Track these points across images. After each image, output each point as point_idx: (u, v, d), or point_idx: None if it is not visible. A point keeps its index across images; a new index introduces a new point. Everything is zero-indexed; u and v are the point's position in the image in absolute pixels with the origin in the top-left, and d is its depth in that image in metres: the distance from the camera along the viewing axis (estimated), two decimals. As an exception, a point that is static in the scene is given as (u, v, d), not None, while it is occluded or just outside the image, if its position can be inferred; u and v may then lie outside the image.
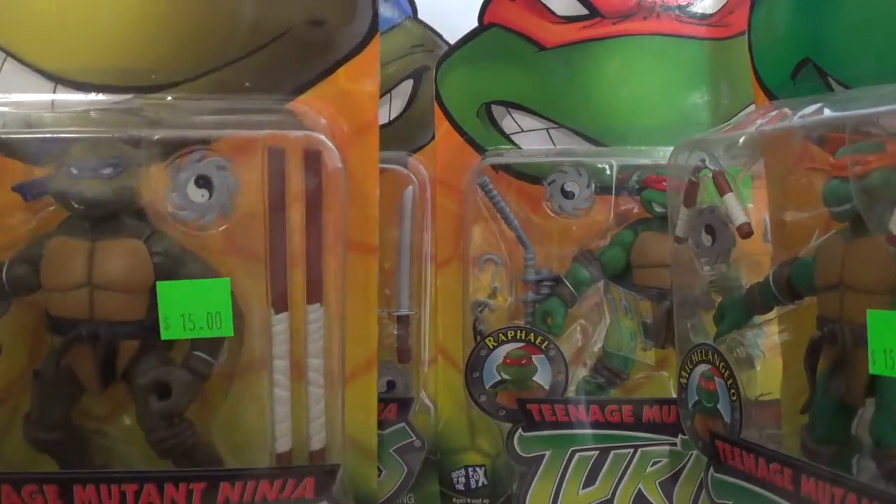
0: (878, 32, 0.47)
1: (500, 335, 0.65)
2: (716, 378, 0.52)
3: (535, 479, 0.64)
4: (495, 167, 0.67)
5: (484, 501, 0.69)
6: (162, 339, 0.45)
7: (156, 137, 0.46)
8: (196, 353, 0.46)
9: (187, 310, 0.44)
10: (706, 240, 0.54)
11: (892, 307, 0.41)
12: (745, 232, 0.50)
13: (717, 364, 0.52)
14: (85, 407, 0.49)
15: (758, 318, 0.54)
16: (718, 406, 0.52)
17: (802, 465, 0.45)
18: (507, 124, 0.68)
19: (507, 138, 0.68)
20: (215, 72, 0.49)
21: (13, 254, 0.46)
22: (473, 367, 0.66)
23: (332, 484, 0.48)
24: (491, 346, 0.65)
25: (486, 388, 0.66)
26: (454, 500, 0.70)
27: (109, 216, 0.45)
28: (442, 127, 0.68)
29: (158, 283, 0.44)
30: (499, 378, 0.66)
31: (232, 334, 0.45)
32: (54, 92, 0.48)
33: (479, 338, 0.67)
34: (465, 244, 0.68)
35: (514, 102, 0.68)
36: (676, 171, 0.56)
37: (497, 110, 0.68)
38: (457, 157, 0.68)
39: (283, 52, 0.49)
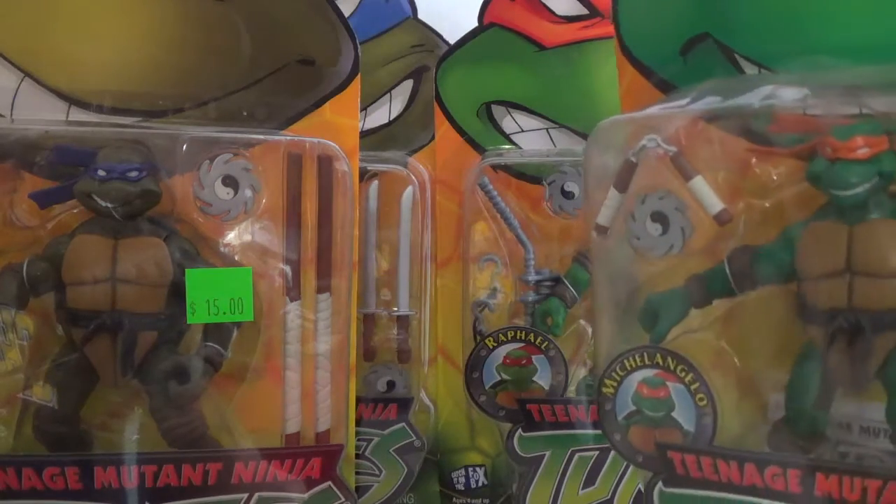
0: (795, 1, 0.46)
1: (500, 335, 0.65)
2: (670, 383, 0.47)
3: (535, 479, 0.64)
4: (495, 167, 0.67)
5: (484, 501, 0.69)
6: (188, 322, 0.49)
7: (188, 137, 0.51)
8: (209, 343, 0.50)
9: (212, 296, 0.49)
10: (654, 229, 0.49)
11: None
12: (726, 219, 0.47)
13: (673, 367, 0.47)
14: (91, 403, 0.50)
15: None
16: (673, 414, 0.47)
17: (815, 465, 0.43)
18: (507, 124, 0.68)
19: (507, 138, 0.68)
20: (216, 101, 0.53)
21: (30, 255, 0.49)
22: (473, 367, 0.66)
23: (336, 463, 0.51)
24: (491, 346, 0.65)
25: (486, 388, 0.66)
26: (454, 500, 0.70)
27: (131, 217, 0.48)
28: (442, 127, 0.68)
29: (188, 271, 0.48)
30: (499, 378, 0.66)
31: (252, 318, 0.49)
32: (68, 112, 0.51)
33: (479, 338, 0.67)
34: (465, 244, 0.68)
35: (514, 102, 0.68)
36: (599, 154, 0.51)
37: (497, 110, 0.68)
38: (457, 157, 0.68)
39: (278, 86, 0.54)
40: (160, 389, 0.49)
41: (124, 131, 0.50)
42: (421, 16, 0.71)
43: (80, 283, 0.48)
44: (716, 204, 0.47)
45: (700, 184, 0.47)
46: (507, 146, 0.68)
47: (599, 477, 0.63)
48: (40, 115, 0.50)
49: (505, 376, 0.66)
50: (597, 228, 0.50)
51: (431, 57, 0.69)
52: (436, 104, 0.68)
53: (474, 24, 0.68)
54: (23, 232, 0.50)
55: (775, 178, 0.47)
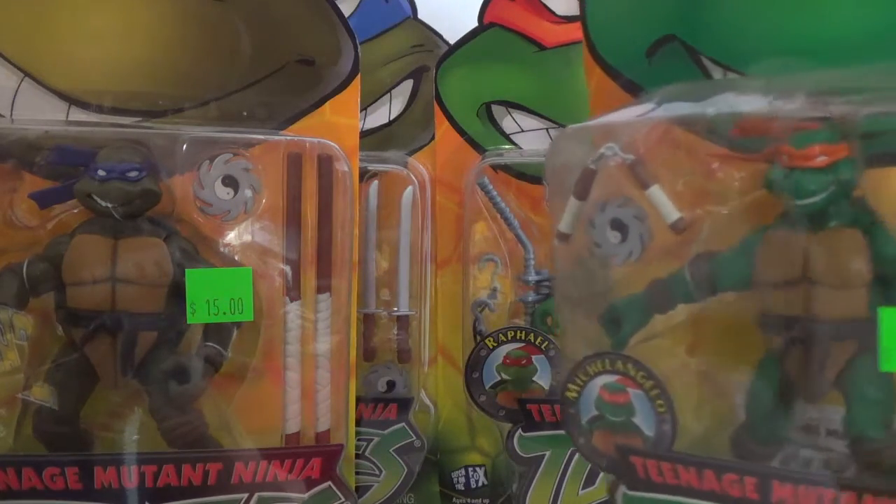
0: (761, 4, 0.45)
1: (500, 335, 0.66)
2: (630, 389, 0.47)
3: (535, 479, 0.64)
4: (495, 167, 0.68)
5: (484, 501, 0.69)
6: (188, 322, 0.49)
7: (188, 137, 0.51)
8: (209, 343, 0.50)
9: (212, 296, 0.48)
10: (613, 237, 0.49)
11: (871, 301, 0.41)
12: (682, 228, 0.47)
13: (633, 373, 0.47)
14: (91, 403, 0.50)
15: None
16: (634, 419, 0.47)
17: (769, 472, 0.44)
18: (507, 124, 0.68)
19: (507, 138, 0.68)
20: (216, 101, 0.53)
21: (31, 255, 0.49)
22: (473, 367, 0.66)
23: (336, 463, 0.51)
24: (491, 346, 0.65)
25: (486, 388, 0.66)
26: (454, 500, 0.70)
27: (131, 217, 0.48)
28: (442, 127, 0.68)
29: (188, 271, 0.48)
30: (499, 378, 0.66)
31: (252, 318, 0.49)
32: (68, 112, 0.51)
33: (478, 338, 0.67)
34: (465, 244, 0.68)
35: (514, 102, 0.68)
36: (560, 162, 0.51)
37: (497, 110, 0.68)
38: (457, 157, 0.68)
39: (278, 85, 0.53)
40: (160, 389, 0.49)
41: (124, 131, 0.50)
42: (421, 16, 0.71)
43: (80, 283, 0.48)
44: (672, 212, 0.47)
45: (657, 192, 0.47)
46: (507, 146, 0.68)
47: (599, 477, 0.63)
48: (40, 115, 0.50)
49: (505, 376, 0.66)
50: (558, 236, 0.50)
51: (431, 57, 0.69)
52: (436, 104, 0.68)
53: (474, 24, 0.68)
54: (23, 232, 0.50)
55: (737, 183, 0.47)
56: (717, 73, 0.48)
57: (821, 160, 0.41)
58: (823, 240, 0.42)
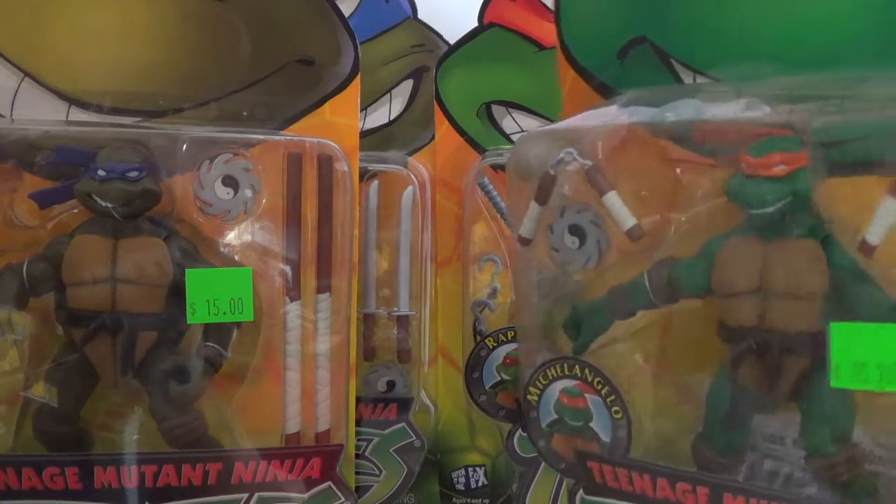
0: (729, 8, 0.45)
1: (500, 335, 0.66)
2: (588, 395, 0.48)
3: (535, 479, 0.64)
4: (495, 167, 0.67)
5: (484, 501, 0.69)
6: (188, 322, 0.49)
7: (188, 137, 0.51)
8: (209, 343, 0.50)
9: (212, 296, 0.48)
10: (571, 242, 0.49)
11: (824, 313, 0.40)
12: (638, 235, 0.46)
13: (591, 379, 0.47)
14: (91, 403, 0.50)
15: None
16: (591, 425, 0.48)
17: (721, 483, 0.43)
18: (507, 124, 0.68)
19: (507, 138, 0.68)
20: (216, 101, 0.53)
21: (30, 255, 0.49)
22: (473, 367, 0.66)
23: (336, 463, 0.51)
24: (491, 346, 0.66)
25: (486, 388, 0.66)
26: (454, 500, 0.70)
27: (131, 217, 0.49)
28: (442, 127, 0.68)
29: (188, 271, 0.48)
30: (499, 378, 0.66)
31: (252, 318, 0.49)
32: (68, 112, 0.51)
33: (478, 338, 0.67)
34: (465, 244, 0.68)
35: (514, 102, 0.68)
36: (523, 166, 0.50)
37: (497, 110, 0.68)
38: (457, 157, 0.68)
39: (278, 86, 0.54)
40: (160, 389, 0.49)
41: (124, 131, 0.50)
42: (421, 16, 0.71)
43: (80, 284, 0.48)
44: (628, 219, 0.46)
45: (613, 199, 0.47)
46: (507, 146, 0.68)
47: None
48: (40, 115, 0.50)
49: (505, 376, 0.66)
50: (520, 240, 0.50)
51: (431, 57, 0.69)
52: (436, 104, 0.68)
53: (474, 24, 0.68)
54: (23, 232, 0.50)
55: (700, 192, 0.46)
56: (686, 76, 0.47)
57: (779, 169, 0.41)
58: (780, 250, 0.42)
